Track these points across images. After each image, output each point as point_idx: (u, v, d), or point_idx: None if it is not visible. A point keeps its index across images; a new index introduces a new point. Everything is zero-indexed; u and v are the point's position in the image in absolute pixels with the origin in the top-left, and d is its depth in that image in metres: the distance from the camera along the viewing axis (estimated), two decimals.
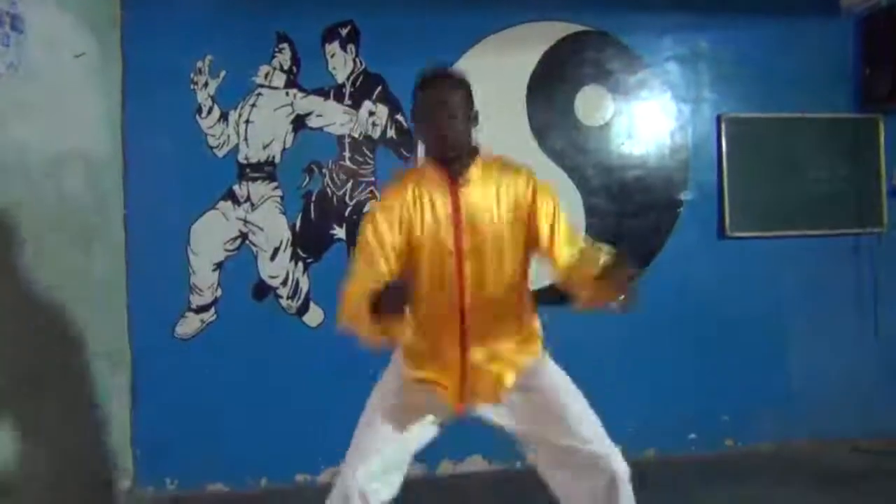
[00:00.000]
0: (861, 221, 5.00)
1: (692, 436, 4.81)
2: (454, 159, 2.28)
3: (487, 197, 2.32)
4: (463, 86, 2.30)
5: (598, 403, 4.62)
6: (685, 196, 4.87)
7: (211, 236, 4.49)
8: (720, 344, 4.82)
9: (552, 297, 2.62)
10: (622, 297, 2.11)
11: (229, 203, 4.51)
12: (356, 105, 4.62)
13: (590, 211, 4.77)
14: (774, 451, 4.74)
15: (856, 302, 4.97)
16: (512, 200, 2.34)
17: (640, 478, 4.30)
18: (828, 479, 4.15)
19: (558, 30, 4.81)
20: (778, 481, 4.18)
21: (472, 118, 2.33)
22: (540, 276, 2.62)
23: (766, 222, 4.91)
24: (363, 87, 4.64)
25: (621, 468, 2.19)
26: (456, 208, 2.28)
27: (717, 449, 4.81)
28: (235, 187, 4.52)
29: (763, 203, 4.91)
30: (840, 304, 4.96)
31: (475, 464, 4.63)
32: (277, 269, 4.53)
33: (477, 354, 2.36)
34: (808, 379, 4.87)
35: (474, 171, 2.32)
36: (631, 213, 4.82)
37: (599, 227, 4.77)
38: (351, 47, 4.63)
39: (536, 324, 2.51)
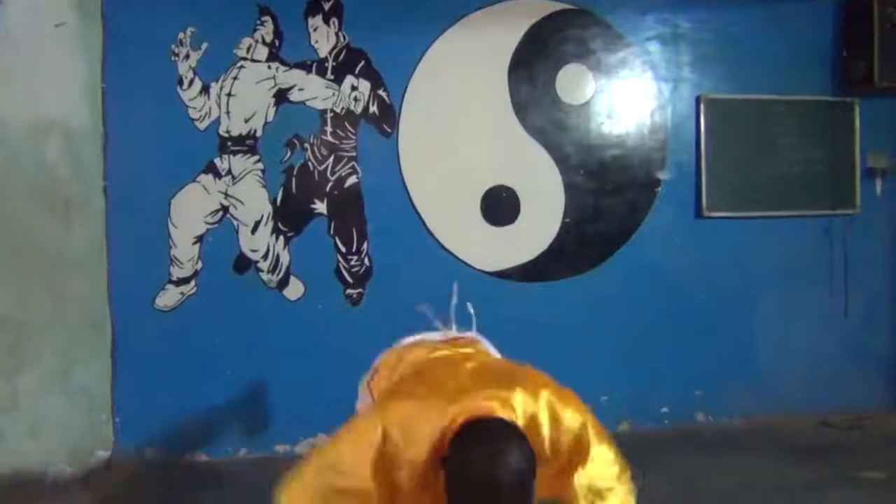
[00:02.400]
0: (834, 203, 5.10)
1: (664, 409, 4.92)
2: None
3: None
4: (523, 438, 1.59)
5: (573, 377, 4.72)
6: (663, 175, 4.93)
7: (192, 209, 4.49)
8: (694, 320, 4.92)
9: None
10: None
11: (210, 176, 4.51)
12: (339, 80, 4.62)
13: (569, 189, 4.82)
14: (745, 426, 4.85)
15: (827, 282, 5.08)
16: None
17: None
18: (797, 453, 4.26)
19: (541, 7, 4.82)
20: (748, 454, 4.29)
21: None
22: None
23: (742, 203, 4.99)
24: (346, 62, 4.63)
25: None
26: None
27: (689, 422, 4.92)
28: (216, 160, 4.51)
29: (739, 184, 4.98)
30: (811, 283, 5.06)
31: None
32: (258, 242, 4.55)
33: None
34: (779, 356, 4.99)
35: None
36: (609, 191, 4.87)
37: (578, 204, 4.83)
38: (334, 21, 4.62)
39: None
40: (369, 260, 4.64)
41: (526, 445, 1.54)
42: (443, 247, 4.70)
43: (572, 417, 1.77)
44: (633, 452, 4.32)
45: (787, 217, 5.03)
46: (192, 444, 4.47)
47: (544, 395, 1.76)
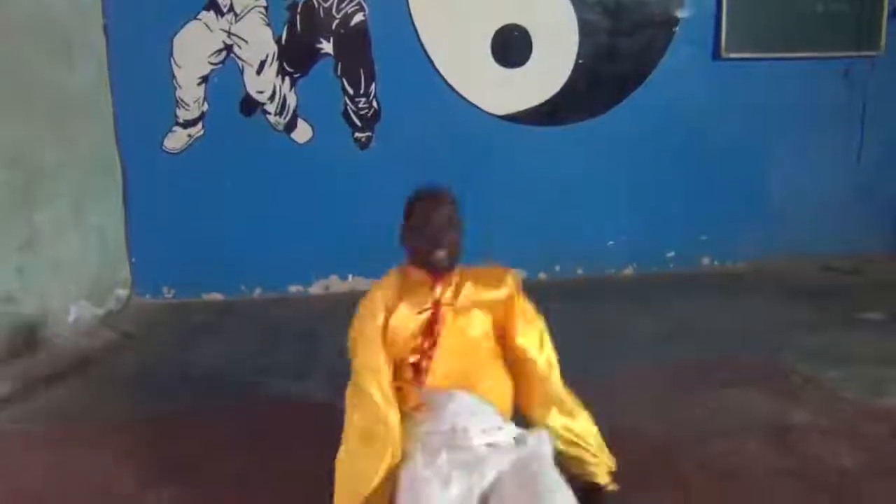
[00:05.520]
0: (857, 44, 4.90)
1: (671, 254, 4.98)
2: (443, 272, 2.10)
3: (467, 315, 2.12)
4: (455, 201, 2.14)
5: (581, 220, 4.78)
6: (681, 14, 4.72)
7: (194, 48, 4.37)
8: (705, 165, 4.88)
9: None
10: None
11: (212, 13, 4.35)
12: None
13: (584, 28, 4.64)
14: (750, 269, 4.93)
15: (843, 126, 4.98)
16: (489, 318, 2.16)
17: (620, 292, 4.55)
18: (800, 295, 4.35)
19: None
20: (751, 296, 4.37)
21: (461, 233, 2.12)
22: None
23: (763, 43, 4.80)
24: None
25: None
26: (434, 321, 2.09)
27: (694, 267, 4.99)
28: None
29: (761, 23, 4.77)
30: (827, 127, 4.97)
31: None
32: (264, 83, 4.45)
33: None
34: (788, 200, 4.98)
35: (455, 282, 2.13)
36: (625, 30, 4.69)
37: (592, 45, 4.68)
38: None
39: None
40: (377, 102, 4.56)
41: (456, 210, 2.10)
42: (452, 89, 4.60)
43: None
44: (638, 294, 4.47)
45: (807, 58, 4.86)
46: (209, 285, 4.59)
47: None
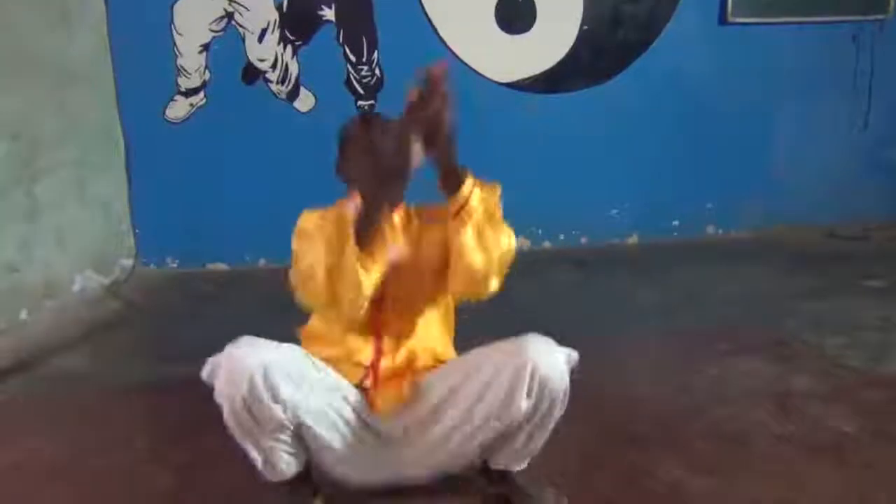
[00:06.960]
0: (865, 8, 4.83)
1: (675, 222, 4.96)
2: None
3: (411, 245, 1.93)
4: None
5: (584, 189, 4.76)
6: None
7: (195, 15, 4.32)
8: (710, 132, 4.84)
9: None
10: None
11: None
12: None
13: None
14: (754, 237, 4.92)
15: (850, 92, 4.92)
16: (436, 248, 1.89)
17: (624, 261, 4.55)
18: (800, 262, 4.35)
19: None
20: (755, 264, 4.37)
21: None
22: None
23: (770, 7, 4.73)
24: None
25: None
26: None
27: (699, 235, 4.98)
28: None
29: None
30: (834, 94, 4.91)
31: None
32: (265, 51, 4.41)
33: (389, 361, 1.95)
34: (794, 167, 4.94)
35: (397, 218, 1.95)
36: None
37: (597, 11, 4.62)
38: None
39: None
40: (380, 70, 4.52)
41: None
42: (456, 56, 4.55)
43: None
44: (641, 263, 4.46)
45: (815, 23, 4.79)
46: (213, 255, 4.59)
47: None
